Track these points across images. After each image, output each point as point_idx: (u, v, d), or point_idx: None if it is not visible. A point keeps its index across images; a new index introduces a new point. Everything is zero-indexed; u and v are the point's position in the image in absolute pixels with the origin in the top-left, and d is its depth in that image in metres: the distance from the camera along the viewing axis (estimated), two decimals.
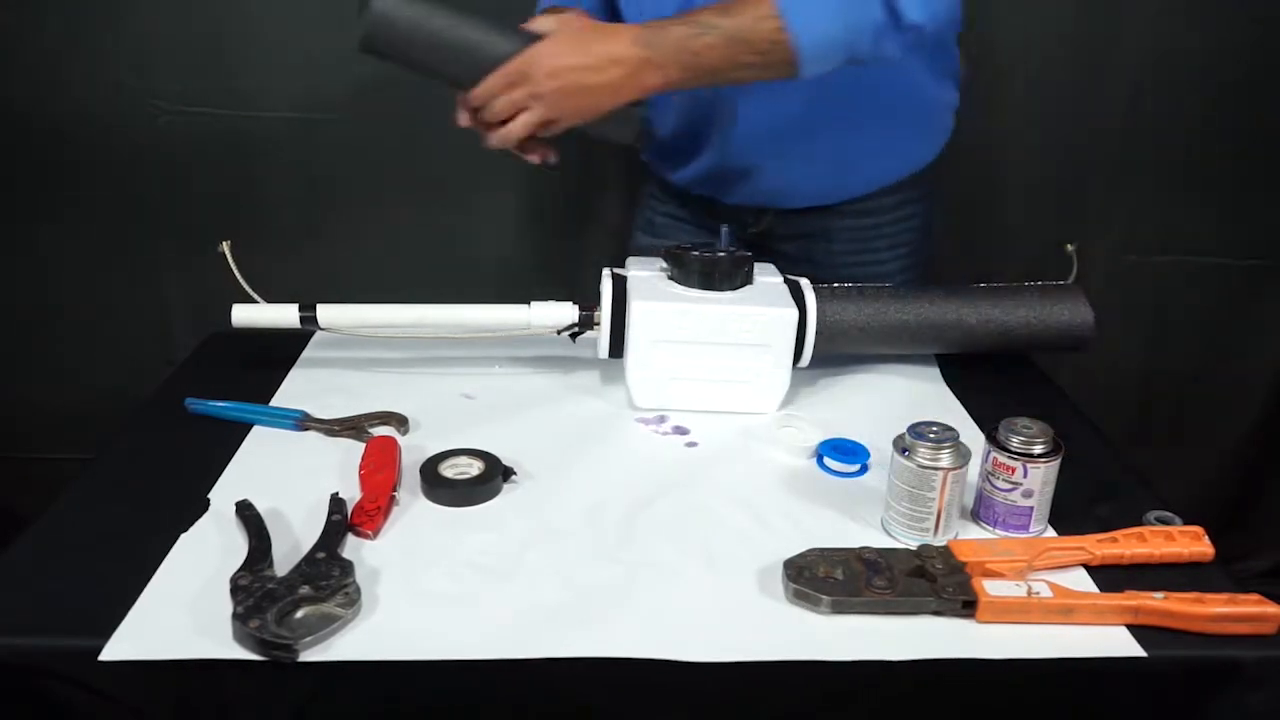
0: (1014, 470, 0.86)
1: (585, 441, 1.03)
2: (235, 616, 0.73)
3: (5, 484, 1.75)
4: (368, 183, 1.59)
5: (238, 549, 0.82)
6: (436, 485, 0.92)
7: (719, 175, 1.26)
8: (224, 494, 0.91)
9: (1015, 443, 0.86)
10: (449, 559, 0.84)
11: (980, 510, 0.90)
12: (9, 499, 1.74)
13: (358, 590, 0.77)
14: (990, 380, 1.16)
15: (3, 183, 1.59)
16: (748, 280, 1.09)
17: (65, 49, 1.51)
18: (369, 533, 0.86)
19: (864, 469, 0.99)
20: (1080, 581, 0.82)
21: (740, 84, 1.04)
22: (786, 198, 1.25)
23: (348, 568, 0.79)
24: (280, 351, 1.20)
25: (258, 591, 0.75)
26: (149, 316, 1.68)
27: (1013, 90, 1.61)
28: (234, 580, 0.77)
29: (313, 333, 1.21)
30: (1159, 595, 0.78)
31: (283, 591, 0.75)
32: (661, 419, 1.08)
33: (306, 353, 1.21)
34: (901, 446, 0.86)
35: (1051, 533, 0.89)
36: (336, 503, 0.87)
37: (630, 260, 1.15)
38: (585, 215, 1.63)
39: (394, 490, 0.91)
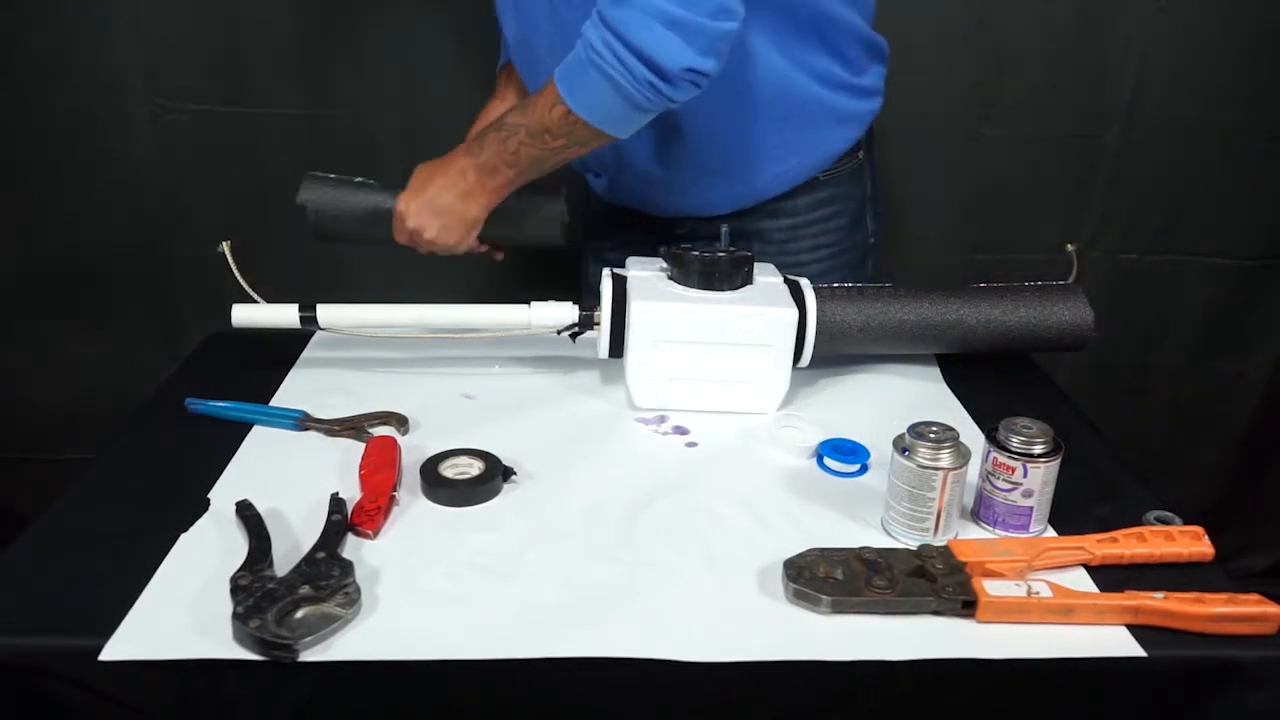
0: (1014, 470, 0.86)
1: (585, 441, 1.03)
2: (235, 616, 0.73)
3: (5, 484, 1.75)
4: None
5: (238, 549, 0.82)
6: (436, 485, 0.92)
7: (623, 190, 1.28)
8: (224, 494, 0.91)
9: (1015, 443, 0.86)
10: (449, 559, 0.84)
11: (980, 510, 0.90)
12: (9, 499, 1.74)
13: (358, 590, 0.77)
14: (990, 380, 1.16)
15: (7, 181, 1.59)
16: (748, 280, 1.09)
17: (69, 47, 1.51)
18: (369, 533, 0.86)
19: (864, 469, 0.99)
20: (1080, 581, 0.82)
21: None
22: (696, 207, 1.23)
23: (348, 568, 0.79)
24: (280, 351, 1.20)
25: (258, 591, 0.75)
26: (152, 315, 1.68)
27: (1013, 89, 1.61)
28: (234, 580, 0.77)
29: (313, 333, 1.21)
30: (1159, 595, 0.78)
31: (283, 591, 0.75)
32: (661, 419, 1.08)
33: (306, 353, 1.21)
34: (901, 446, 0.86)
35: (1051, 533, 0.89)
36: (336, 503, 0.87)
37: (630, 260, 1.15)
38: (586, 214, 1.62)
39: (394, 490, 0.91)
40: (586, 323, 1.12)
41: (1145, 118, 1.61)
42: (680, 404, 1.08)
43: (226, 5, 1.51)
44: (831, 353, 1.13)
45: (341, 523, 0.85)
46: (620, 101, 1.00)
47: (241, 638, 0.73)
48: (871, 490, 0.94)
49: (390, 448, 0.97)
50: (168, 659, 0.72)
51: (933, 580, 0.79)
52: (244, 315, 1.12)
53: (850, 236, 1.28)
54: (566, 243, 1.25)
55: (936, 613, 0.78)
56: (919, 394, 1.15)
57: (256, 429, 1.03)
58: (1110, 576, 0.83)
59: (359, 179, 1.21)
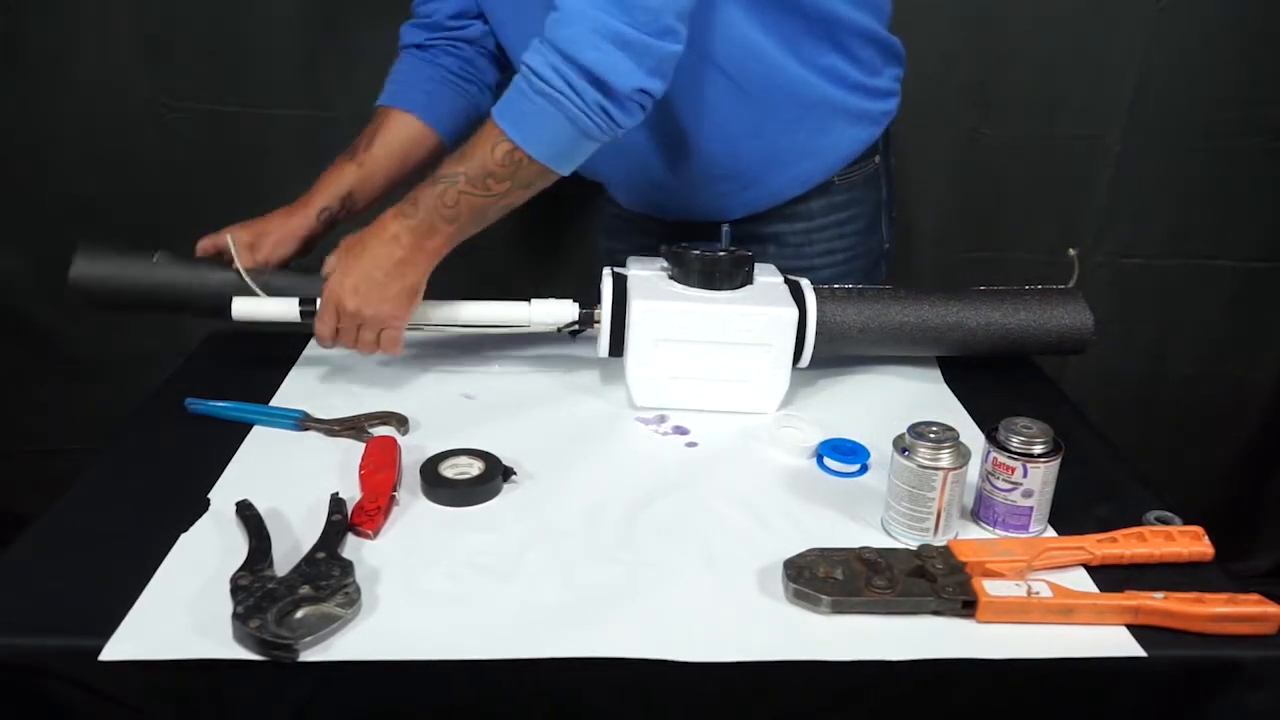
0: (1014, 470, 0.86)
1: (585, 441, 1.03)
2: (235, 616, 0.73)
3: (5, 483, 1.75)
4: None
5: (238, 549, 0.82)
6: (436, 485, 0.92)
7: (636, 195, 1.27)
8: (224, 494, 0.91)
9: (1015, 443, 0.86)
10: (449, 559, 0.84)
11: (980, 510, 0.90)
12: (9, 498, 1.74)
13: (358, 590, 0.77)
14: (990, 380, 1.16)
15: (11, 180, 1.59)
16: (748, 280, 1.09)
17: (74, 46, 1.51)
18: (369, 533, 0.86)
19: (864, 469, 0.99)
20: (1080, 581, 0.82)
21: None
22: (710, 212, 1.23)
23: (348, 568, 0.79)
24: (280, 351, 1.20)
25: (258, 591, 0.75)
26: (154, 315, 1.68)
27: (1016, 91, 1.60)
28: (234, 580, 0.77)
29: (312, 333, 1.21)
30: (1159, 595, 0.78)
31: (283, 591, 0.75)
32: (661, 419, 1.08)
33: (306, 353, 1.21)
34: (901, 446, 0.86)
35: (1051, 533, 0.89)
36: (336, 503, 0.87)
37: (631, 259, 1.15)
38: (586, 215, 1.62)
39: (394, 490, 0.91)
40: (587, 320, 1.11)
41: (1148, 118, 1.61)
42: (680, 403, 1.08)
43: (228, 6, 1.51)
44: (831, 353, 1.13)
45: (341, 523, 0.85)
46: (570, 130, 0.97)
47: (241, 638, 0.73)
48: (871, 490, 0.94)
49: (390, 448, 0.97)
50: (168, 659, 0.72)
51: (933, 580, 0.79)
52: (244, 308, 1.11)
53: (865, 242, 1.28)
54: None
55: (936, 613, 0.78)
56: (919, 394, 1.15)
57: (256, 429, 1.03)
58: (1110, 576, 0.83)
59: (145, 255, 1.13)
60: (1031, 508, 0.87)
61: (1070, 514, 0.90)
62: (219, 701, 0.74)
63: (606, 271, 1.11)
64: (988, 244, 1.70)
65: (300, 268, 1.17)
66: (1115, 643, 0.76)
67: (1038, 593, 0.78)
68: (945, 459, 0.84)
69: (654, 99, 1.00)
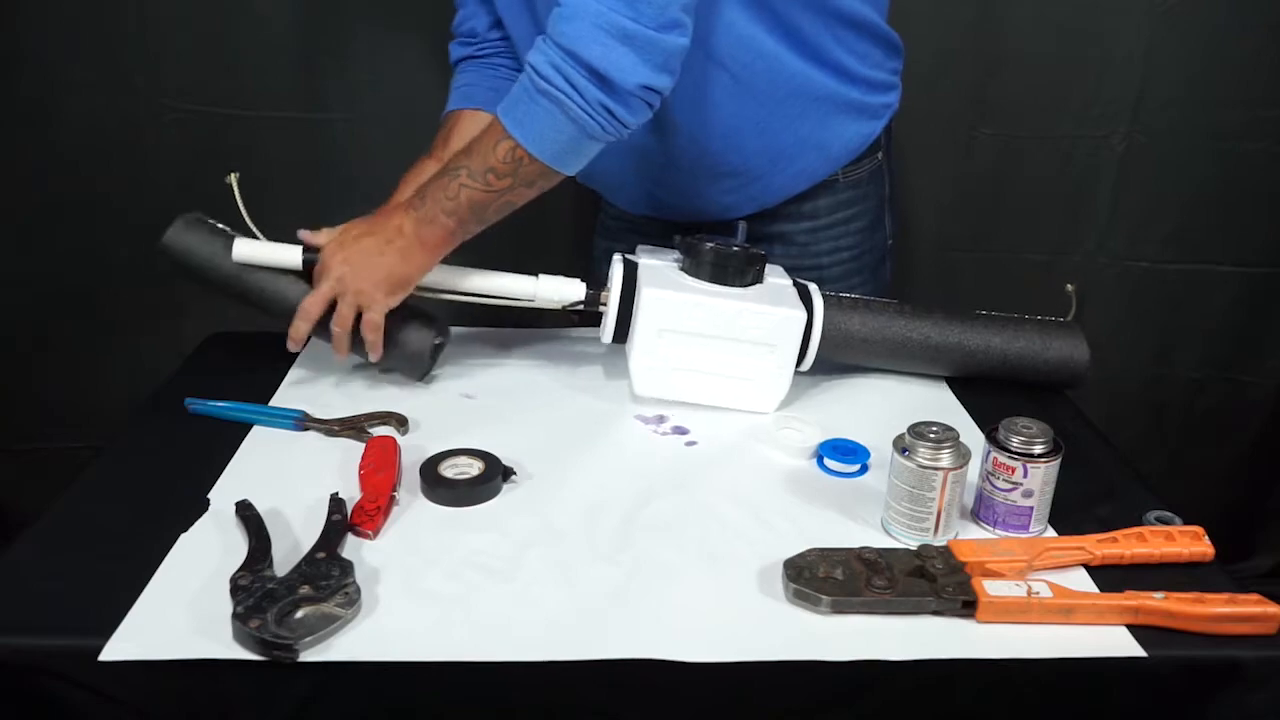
0: (1014, 470, 0.86)
1: (585, 441, 1.03)
2: (235, 616, 0.73)
3: (6, 482, 1.75)
4: (372, 183, 1.59)
5: (238, 549, 0.82)
6: (436, 485, 0.92)
7: (639, 197, 1.26)
8: (224, 494, 0.91)
9: (1015, 443, 0.86)
10: (449, 559, 0.84)
11: (980, 510, 0.90)
12: (9, 497, 1.74)
13: (358, 590, 0.77)
14: (991, 381, 1.16)
15: (12, 180, 1.59)
16: (758, 279, 1.09)
17: (74, 47, 1.51)
18: (369, 533, 0.86)
19: (864, 469, 0.99)
20: (1080, 581, 0.82)
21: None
22: (714, 210, 1.22)
23: (348, 568, 0.79)
24: (280, 351, 1.20)
25: (258, 591, 0.75)
26: (153, 314, 1.68)
27: (1019, 94, 1.60)
28: (234, 580, 0.77)
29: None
30: (1159, 595, 0.78)
31: (283, 591, 0.75)
32: (661, 419, 1.08)
33: (306, 352, 1.21)
34: (901, 446, 0.86)
35: (1051, 533, 0.89)
36: (336, 503, 0.87)
37: (641, 248, 1.15)
38: (584, 216, 1.62)
39: (394, 490, 0.91)
40: (593, 302, 1.10)
41: (1152, 119, 1.60)
42: (680, 396, 1.08)
43: (228, 7, 1.51)
44: (833, 360, 1.13)
45: (341, 523, 0.85)
46: (572, 129, 0.97)
47: (241, 638, 0.73)
48: (871, 490, 0.94)
49: (390, 448, 0.97)
50: (168, 659, 0.72)
51: (933, 580, 0.79)
52: (245, 250, 1.10)
53: (870, 238, 1.28)
54: (423, 378, 1.15)
55: (936, 613, 0.78)
56: (919, 394, 1.15)
57: (256, 429, 1.03)
58: (1110, 576, 0.83)
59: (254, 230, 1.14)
60: (1031, 508, 0.87)
61: (1070, 514, 0.90)
62: (219, 701, 0.74)
63: (617, 257, 1.10)
64: (989, 245, 1.70)
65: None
66: (1115, 643, 0.76)
67: (1038, 593, 0.78)
68: (945, 459, 0.84)
69: (661, 95, 0.99)
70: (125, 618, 0.75)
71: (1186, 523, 0.88)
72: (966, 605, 0.78)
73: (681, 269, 1.09)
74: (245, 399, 1.07)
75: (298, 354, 1.20)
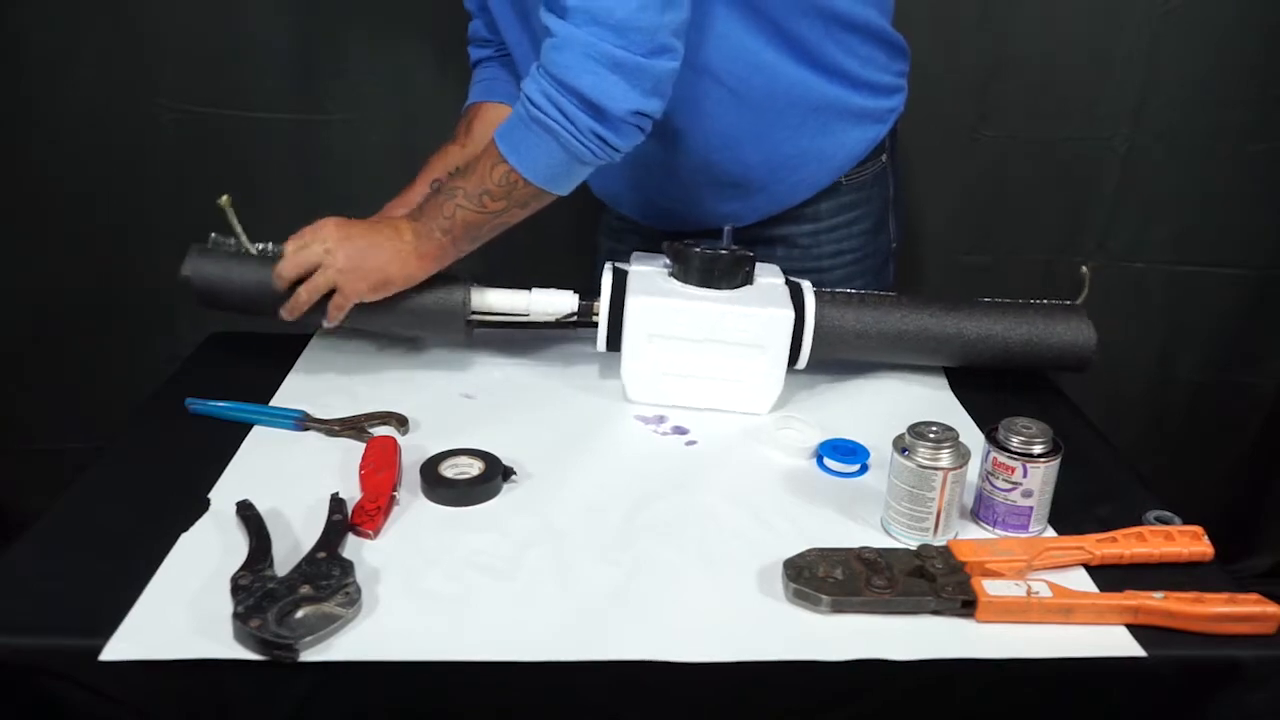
0: (1014, 470, 0.86)
1: (585, 441, 1.03)
2: (235, 616, 0.73)
3: (6, 482, 1.75)
4: (369, 184, 1.59)
5: (238, 549, 0.82)
6: (436, 485, 0.92)
7: (642, 207, 1.28)
8: (224, 494, 0.91)
9: (1015, 443, 0.86)
10: (449, 559, 0.84)
11: (980, 510, 0.90)
12: (9, 497, 1.74)
13: (358, 590, 0.77)
14: (991, 381, 1.16)
15: (8, 180, 1.59)
16: (748, 280, 1.09)
17: (71, 47, 1.51)
18: (369, 533, 0.86)
19: (864, 469, 0.99)
20: (1080, 581, 0.82)
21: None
22: (718, 219, 1.20)
23: (348, 568, 0.79)
24: (280, 351, 1.20)
25: (258, 591, 0.75)
26: (152, 315, 1.68)
27: (1022, 95, 1.60)
28: (234, 580, 0.77)
29: (313, 333, 1.21)
30: (1159, 595, 0.78)
31: (283, 591, 0.75)
32: (661, 419, 1.08)
33: (306, 353, 1.21)
34: (901, 446, 0.86)
35: (1051, 532, 0.89)
36: (336, 503, 0.87)
37: (635, 255, 1.15)
38: (587, 216, 1.62)
39: (394, 490, 0.91)
40: (586, 312, 1.12)
41: (1154, 121, 1.60)
42: (674, 400, 1.09)
43: (227, 8, 1.51)
44: (830, 357, 1.13)
45: (342, 523, 0.85)
46: (564, 156, 0.99)
47: (242, 638, 0.73)
48: (871, 490, 0.94)
49: (390, 448, 0.97)
50: (168, 659, 0.72)
51: (932, 580, 0.79)
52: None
53: (873, 241, 1.28)
54: (468, 338, 1.17)
55: (936, 612, 0.78)
56: (919, 394, 1.15)
57: (256, 429, 1.03)
58: (1110, 576, 0.83)
59: (254, 248, 1.13)
60: (1031, 507, 0.87)
61: (1070, 514, 0.90)
62: (219, 701, 0.74)
63: (608, 266, 1.11)
64: (991, 247, 1.70)
65: None
66: (1115, 643, 0.76)
67: (1037, 593, 0.78)
68: (945, 459, 0.85)
69: (652, 119, 1.00)
70: (125, 618, 0.74)
71: (1186, 523, 0.88)
72: (966, 605, 0.78)
73: (671, 274, 1.09)
74: (245, 399, 1.07)
75: (298, 354, 1.20)
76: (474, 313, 1.14)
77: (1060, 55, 1.57)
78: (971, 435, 0.95)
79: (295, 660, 0.72)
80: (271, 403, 1.09)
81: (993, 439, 0.88)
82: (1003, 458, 0.87)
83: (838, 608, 0.78)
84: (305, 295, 1.06)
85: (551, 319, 1.13)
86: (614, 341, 1.10)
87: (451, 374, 1.17)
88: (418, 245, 1.05)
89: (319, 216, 1.32)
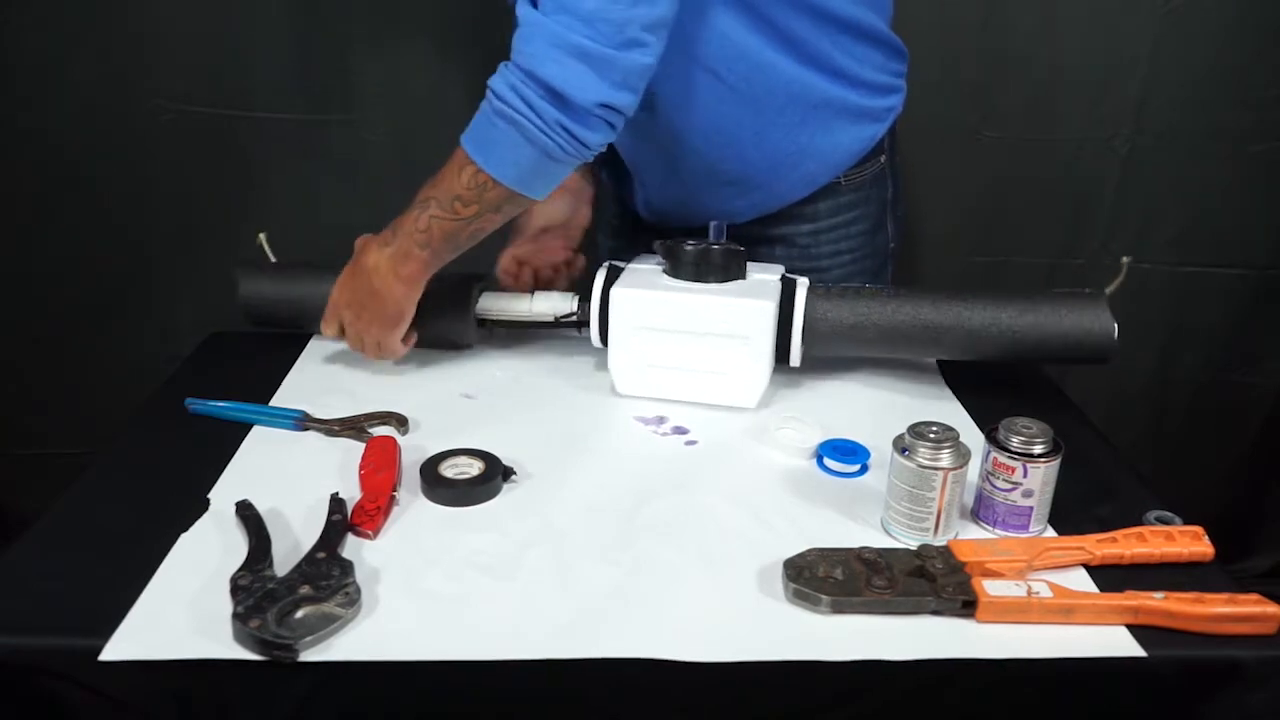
0: (1014, 470, 0.86)
1: (585, 441, 1.03)
2: (235, 616, 0.73)
3: (6, 483, 1.75)
4: (371, 184, 1.59)
5: (238, 549, 0.82)
6: (436, 485, 0.92)
7: (645, 205, 1.27)
8: (224, 494, 0.91)
9: (1015, 443, 0.86)
10: (449, 559, 0.84)
11: (980, 510, 0.90)
12: (9, 498, 1.74)
13: (358, 590, 0.77)
14: (990, 380, 1.16)
15: (7, 180, 1.59)
16: (740, 274, 1.09)
17: (70, 47, 1.51)
18: (369, 533, 0.86)
19: (864, 469, 0.99)
20: (1080, 581, 0.82)
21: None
22: (717, 217, 1.20)
23: (348, 568, 0.79)
24: (280, 351, 1.20)
25: (258, 591, 0.75)
26: (152, 315, 1.68)
27: (1023, 96, 1.60)
28: (234, 580, 0.77)
29: (312, 333, 1.21)
30: (1159, 595, 0.78)
31: (283, 591, 0.75)
32: (661, 419, 1.08)
33: (306, 353, 1.21)
34: (901, 446, 0.86)
35: (1051, 532, 0.89)
36: (336, 503, 0.87)
37: (639, 256, 1.16)
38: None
39: (394, 490, 0.91)
40: (584, 313, 1.13)
41: (1155, 121, 1.60)
42: (660, 392, 1.09)
43: (228, 7, 1.51)
44: (825, 353, 1.13)
45: (341, 523, 0.85)
46: (532, 152, 0.96)
47: (241, 638, 0.73)
48: (871, 490, 0.94)
49: (390, 448, 0.97)
50: (168, 659, 0.72)
51: (933, 580, 0.79)
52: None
53: (871, 241, 1.28)
54: (474, 341, 1.21)
55: (936, 613, 0.78)
56: (919, 394, 1.15)
57: (256, 429, 1.03)
58: (1110, 576, 0.83)
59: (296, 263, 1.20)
60: (1031, 508, 0.87)
61: (1070, 514, 0.90)
62: (219, 701, 0.74)
63: (604, 264, 1.12)
64: (992, 248, 1.69)
65: None
66: (1115, 643, 0.76)
67: (1037, 593, 0.78)
68: (945, 459, 0.84)
69: (623, 115, 0.97)
70: (125, 618, 0.75)
71: (1186, 523, 0.88)
72: (966, 605, 0.78)
73: (665, 270, 1.10)
74: (245, 399, 1.07)
75: (298, 354, 1.21)
76: (479, 319, 1.16)
77: (1061, 56, 1.57)
78: (971, 435, 0.95)
79: (295, 660, 0.72)
80: (271, 403, 1.09)
81: (993, 439, 0.88)
82: (1003, 458, 0.87)
83: (838, 608, 0.78)
84: (371, 356, 1.13)
85: (550, 319, 1.14)
86: (606, 336, 1.11)
87: (451, 374, 1.17)
88: (396, 270, 1.05)
89: (318, 216, 1.34)
